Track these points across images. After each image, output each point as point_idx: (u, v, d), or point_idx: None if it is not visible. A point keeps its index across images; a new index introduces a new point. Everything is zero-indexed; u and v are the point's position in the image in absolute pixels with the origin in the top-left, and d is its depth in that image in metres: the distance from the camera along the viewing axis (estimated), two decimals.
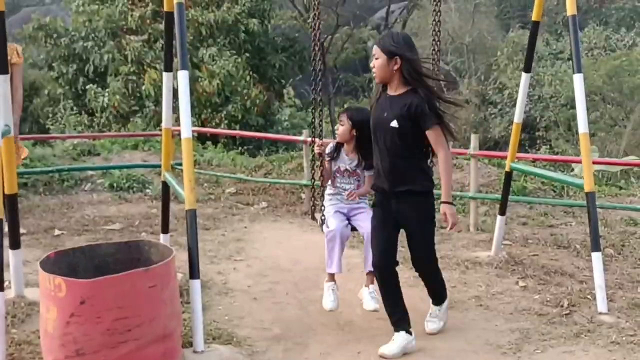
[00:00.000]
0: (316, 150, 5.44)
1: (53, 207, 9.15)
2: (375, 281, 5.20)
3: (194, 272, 4.64)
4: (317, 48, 5.70)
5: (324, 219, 5.35)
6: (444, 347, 4.96)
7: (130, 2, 21.25)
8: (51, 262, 4.36)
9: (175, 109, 5.96)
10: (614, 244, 7.64)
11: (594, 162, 7.34)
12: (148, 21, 20.63)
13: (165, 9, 5.60)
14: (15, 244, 5.48)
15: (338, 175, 5.48)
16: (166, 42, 5.86)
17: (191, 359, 4.52)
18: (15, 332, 4.97)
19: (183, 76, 4.79)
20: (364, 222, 5.31)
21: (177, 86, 4.80)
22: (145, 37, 20.42)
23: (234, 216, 8.93)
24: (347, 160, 5.48)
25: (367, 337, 5.13)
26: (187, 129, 4.77)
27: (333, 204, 5.45)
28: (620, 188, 11.57)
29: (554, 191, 9.99)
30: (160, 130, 12.99)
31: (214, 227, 8.31)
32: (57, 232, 7.92)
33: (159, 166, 10.60)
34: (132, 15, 20.61)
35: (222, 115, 18.25)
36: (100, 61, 20.11)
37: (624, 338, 4.97)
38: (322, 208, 5.40)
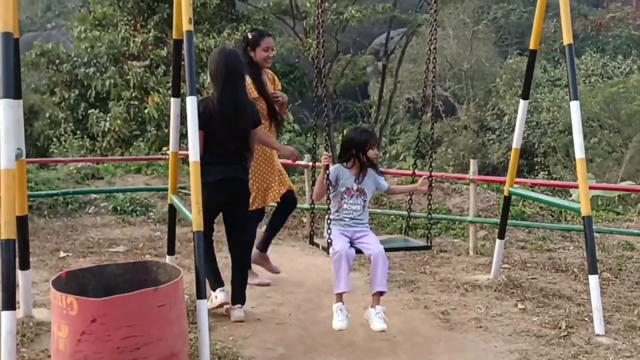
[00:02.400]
0: (324, 161, 5.49)
1: (58, 229, 9.27)
2: (380, 302, 5.35)
3: (200, 292, 4.75)
4: (320, 75, 5.84)
5: (330, 241, 5.40)
6: None
7: (132, 28, 21.52)
8: (63, 282, 4.47)
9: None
10: (611, 268, 7.78)
11: (590, 187, 7.48)
12: (150, 47, 20.88)
13: (174, 37, 5.78)
14: (24, 265, 5.61)
15: (346, 196, 5.57)
16: (174, 69, 6.04)
17: None
18: (25, 350, 5.07)
19: (191, 102, 4.94)
20: (370, 244, 5.44)
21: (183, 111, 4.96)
22: (147, 62, 20.64)
23: None
24: (357, 178, 5.61)
25: (368, 357, 5.24)
26: (195, 152, 4.91)
27: (337, 228, 5.53)
28: (618, 214, 11.71)
29: (552, 216, 10.13)
30: (163, 154, 13.20)
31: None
32: (62, 254, 8.04)
33: (163, 190, 10.80)
34: (134, 41, 20.87)
35: None
36: (102, 86, 20.30)
37: (620, 359, 5.08)
38: (329, 232, 5.44)
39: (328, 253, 5.42)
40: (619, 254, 8.52)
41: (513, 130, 22.24)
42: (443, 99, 32.19)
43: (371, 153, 5.58)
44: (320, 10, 5.86)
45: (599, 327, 5.60)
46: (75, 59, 20.95)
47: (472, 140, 29.31)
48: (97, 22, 22.66)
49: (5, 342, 4.38)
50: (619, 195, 13.78)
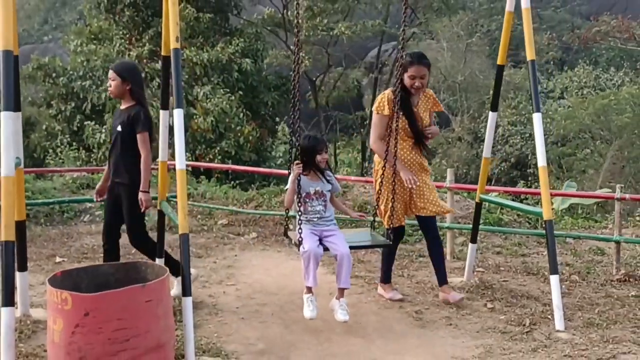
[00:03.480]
0: (297, 170, 6.02)
1: (54, 236, 9.64)
2: (344, 294, 6.06)
3: (186, 290, 5.15)
4: (296, 82, 6.31)
5: (301, 240, 5.97)
6: None
7: (127, 42, 21.95)
8: (58, 280, 4.85)
9: (171, 145, 6.53)
10: (580, 271, 8.19)
11: (557, 194, 7.87)
12: (145, 60, 21.25)
13: (163, 53, 6.21)
14: (22, 267, 6.00)
15: (308, 200, 6.11)
16: (163, 83, 6.46)
17: None
18: (23, 346, 5.44)
19: (178, 114, 5.35)
20: (336, 244, 6.02)
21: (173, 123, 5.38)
22: (143, 75, 21.00)
23: (225, 245, 9.42)
24: (314, 183, 6.15)
25: (343, 353, 5.60)
26: (181, 161, 5.32)
27: (307, 228, 6.09)
28: (596, 221, 12.10)
29: (529, 223, 10.52)
30: (156, 164, 13.57)
31: (206, 255, 8.80)
32: (58, 259, 8.42)
33: (154, 198, 11.16)
34: (129, 55, 21.27)
35: (216, 151, 18.78)
36: (98, 99, 20.69)
37: (576, 352, 5.46)
38: (300, 231, 6.01)
39: (299, 250, 6.03)
40: (589, 258, 8.93)
41: (507, 142, 22.62)
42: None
43: (319, 158, 6.14)
44: (297, 25, 6.33)
45: (559, 323, 6.01)
46: (71, 72, 21.35)
47: (466, 152, 29.57)
48: (93, 36, 23.09)
49: (5, 336, 4.78)
50: (597, 204, 14.20)
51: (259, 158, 20.52)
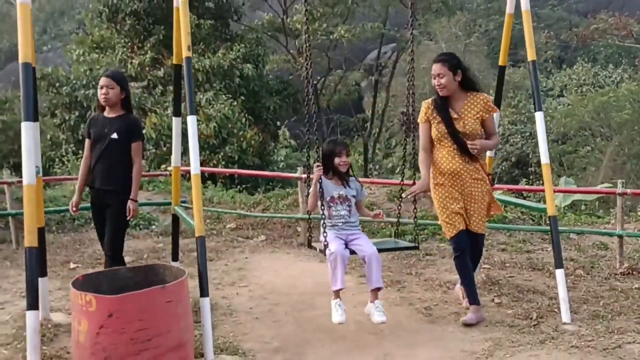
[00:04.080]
0: (317, 173, 6.00)
1: (66, 243, 9.82)
2: (378, 296, 5.98)
3: (203, 291, 5.33)
4: (309, 90, 6.37)
5: (327, 243, 5.94)
6: (424, 355, 5.58)
7: (129, 50, 22.13)
8: (80, 283, 5.02)
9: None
10: (584, 266, 8.37)
11: (560, 191, 8.04)
12: (147, 68, 21.47)
13: (174, 62, 6.39)
14: (42, 272, 6.16)
15: (332, 204, 6.09)
16: (175, 91, 6.63)
17: None
18: (46, 348, 5.60)
19: (192, 121, 5.53)
20: (363, 245, 5.99)
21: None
22: (145, 83, 21.24)
23: (235, 248, 9.60)
24: (337, 187, 6.14)
25: (357, 348, 5.76)
26: (196, 166, 5.50)
27: (332, 232, 6.07)
28: (598, 217, 12.27)
29: (533, 220, 10.69)
30: (163, 170, 13.77)
31: (217, 259, 8.97)
32: (72, 265, 8.60)
33: (164, 204, 11.36)
34: (131, 63, 21.47)
35: (220, 156, 18.94)
36: None
37: (583, 343, 5.61)
38: (325, 235, 6.00)
39: (325, 254, 5.96)
40: (592, 253, 9.12)
41: (507, 141, 22.69)
42: None
43: (337, 161, 6.09)
44: (306, 32, 6.47)
45: (565, 316, 6.19)
46: (74, 81, 21.51)
47: None
48: (95, 45, 23.29)
49: (31, 338, 4.95)
50: (599, 200, 14.38)
51: (262, 162, 20.67)
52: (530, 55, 6.44)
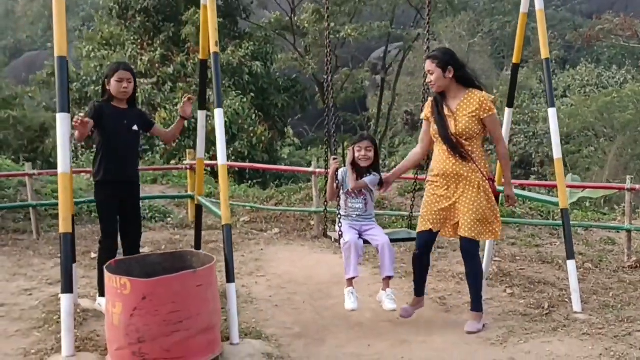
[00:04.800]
0: (335, 165, 6.21)
1: (85, 234, 10.01)
2: (390, 285, 6.16)
3: (230, 277, 5.55)
4: (330, 85, 6.61)
5: (341, 234, 6.16)
6: (440, 341, 5.80)
7: (139, 47, 22.34)
8: (113, 268, 5.24)
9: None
10: (593, 260, 8.59)
11: (570, 186, 8.25)
12: (157, 65, 21.65)
13: (201, 57, 6.61)
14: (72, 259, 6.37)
15: (349, 196, 6.30)
16: (200, 85, 6.84)
17: (229, 350, 5.37)
18: (77, 331, 5.80)
19: (219, 114, 5.75)
20: (376, 235, 6.20)
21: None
22: (155, 79, 21.41)
23: (250, 241, 9.81)
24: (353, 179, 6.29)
25: (374, 335, 5.98)
26: (222, 158, 5.72)
27: (347, 223, 6.28)
28: (604, 214, 12.48)
29: (541, 215, 10.89)
30: (177, 164, 13.99)
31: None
32: (93, 255, 8.78)
33: (180, 197, 11.58)
34: (141, 60, 21.66)
35: (230, 151, 19.14)
36: None
37: (594, 331, 5.84)
38: (340, 225, 6.21)
39: (339, 244, 6.18)
40: (600, 247, 9.35)
41: (510, 141, 22.85)
42: None
43: (357, 155, 6.23)
44: (327, 29, 6.67)
45: (576, 305, 6.41)
46: (84, 77, 21.74)
47: None
48: (104, 42, 23.49)
49: (65, 321, 5.18)
50: (605, 198, 14.59)
51: (270, 158, 20.89)
52: (544, 53, 6.65)
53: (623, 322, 6.04)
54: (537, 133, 28.19)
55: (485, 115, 5.93)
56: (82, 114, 6.05)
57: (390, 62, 30.92)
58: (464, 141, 5.90)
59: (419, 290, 6.35)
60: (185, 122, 6.61)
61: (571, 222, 9.54)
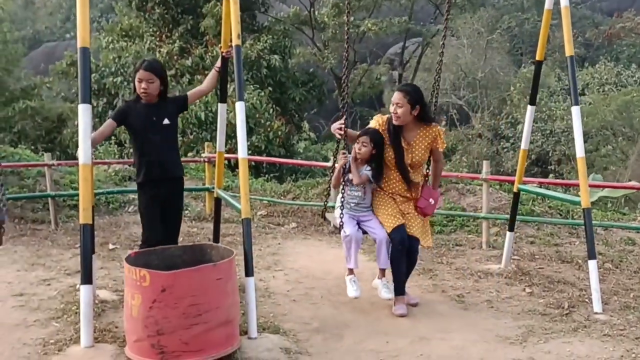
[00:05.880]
0: (343, 160, 6.37)
1: (103, 225, 10.04)
2: (386, 274, 6.50)
3: (249, 270, 5.53)
4: (347, 80, 6.69)
5: (342, 224, 6.37)
6: (459, 339, 5.76)
7: (157, 39, 22.39)
8: (132, 260, 5.24)
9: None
10: (613, 260, 8.51)
11: (590, 186, 8.18)
12: (175, 57, 21.69)
13: (223, 49, 6.58)
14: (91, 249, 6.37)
15: (348, 185, 6.42)
16: (221, 78, 6.80)
17: (247, 344, 5.35)
18: (95, 322, 5.81)
19: (240, 107, 5.74)
20: (374, 228, 6.35)
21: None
22: (173, 72, 21.45)
23: (267, 235, 9.80)
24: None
25: (392, 332, 5.93)
26: (243, 151, 5.71)
27: (347, 212, 6.44)
28: (624, 214, 12.38)
29: (560, 214, 10.82)
30: (194, 157, 13.99)
31: None
32: (111, 246, 8.83)
33: (197, 190, 11.58)
34: (159, 52, 21.74)
35: (247, 146, 19.10)
36: (130, 95, 21.14)
37: (615, 332, 5.79)
38: (341, 216, 6.41)
39: (339, 232, 6.44)
40: (620, 248, 9.25)
41: None
42: (457, 107, 32.81)
43: (355, 148, 6.37)
44: (347, 23, 6.74)
45: (597, 306, 6.35)
46: (103, 68, 21.79)
47: (486, 149, 29.71)
48: (124, 33, 23.55)
49: (84, 312, 5.19)
50: (625, 197, 14.47)
51: (287, 153, 20.87)
52: (569, 50, 6.58)
53: None
54: (554, 131, 28.04)
55: (439, 147, 6.46)
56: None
57: (408, 58, 30.84)
58: (412, 170, 6.42)
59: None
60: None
61: (593, 222, 9.52)
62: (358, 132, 6.52)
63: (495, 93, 32.27)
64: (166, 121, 6.09)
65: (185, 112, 6.85)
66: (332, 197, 7.82)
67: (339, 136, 6.38)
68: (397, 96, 6.28)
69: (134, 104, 6.14)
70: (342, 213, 6.42)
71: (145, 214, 6.18)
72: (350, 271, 6.51)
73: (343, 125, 6.33)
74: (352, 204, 6.44)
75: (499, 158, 29.59)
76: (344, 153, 6.43)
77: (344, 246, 6.37)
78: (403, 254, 6.32)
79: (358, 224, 6.42)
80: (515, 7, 39.66)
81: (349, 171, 6.38)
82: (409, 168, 6.37)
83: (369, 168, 6.41)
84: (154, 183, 6.11)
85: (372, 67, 29.77)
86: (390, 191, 6.43)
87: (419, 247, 6.44)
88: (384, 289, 6.45)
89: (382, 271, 6.52)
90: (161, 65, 6.35)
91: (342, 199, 6.47)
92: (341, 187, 6.46)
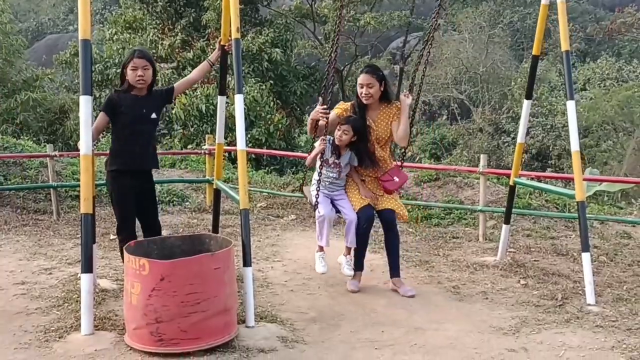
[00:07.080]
0: (322, 145, 6.64)
1: (104, 216, 10.12)
2: (351, 252, 6.98)
3: (247, 261, 5.62)
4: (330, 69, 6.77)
5: (317, 204, 6.70)
6: (454, 329, 5.84)
7: (160, 32, 22.44)
8: (132, 249, 5.33)
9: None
10: (608, 253, 8.60)
11: (587, 179, 8.27)
12: (177, 50, 21.74)
13: (222, 42, 6.66)
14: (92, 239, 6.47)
15: (325, 166, 6.72)
16: (221, 70, 6.90)
17: (245, 332, 5.45)
18: (95, 311, 5.90)
19: (239, 100, 5.83)
20: (346, 208, 6.77)
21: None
22: (175, 64, 21.51)
23: (266, 226, 9.90)
24: (333, 153, 6.80)
25: (388, 322, 6.02)
26: (242, 143, 5.79)
27: (320, 190, 6.78)
28: (620, 208, 12.47)
29: (557, 208, 10.90)
30: (194, 149, 14.07)
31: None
32: (112, 236, 8.92)
33: (198, 182, 11.67)
34: (162, 44, 21.77)
35: (247, 139, 19.20)
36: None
37: (607, 323, 5.89)
38: (317, 196, 6.72)
39: (314, 210, 6.81)
40: (616, 241, 9.34)
41: (528, 133, 22.85)
42: (459, 101, 32.88)
43: (337, 134, 6.74)
44: (339, 18, 6.94)
45: (590, 297, 6.45)
46: (107, 59, 21.85)
47: (487, 143, 29.75)
48: (127, 25, 23.60)
49: (84, 300, 5.28)
50: (622, 192, 14.55)
51: (288, 146, 20.92)
52: (564, 45, 6.65)
53: (636, 315, 6.09)
54: (555, 126, 28.07)
55: (398, 117, 6.73)
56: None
57: (410, 52, 30.84)
58: (377, 145, 6.79)
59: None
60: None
61: (587, 215, 9.59)
62: (338, 120, 6.79)
63: (496, 87, 32.30)
64: (154, 115, 6.20)
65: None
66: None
67: (323, 120, 6.58)
68: (366, 77, 6.67)
69: (124, 95, 6.15)
70: (317, 194, 6.74)
71: (121, 204, 6.19)
72: (321, 248, 6.96)
73: (327, 109, 6.60)
74: (327, 182, 6.81)
75: (500, 152, 29.62)
76: (323, 139, 6.67)
77: (317, 225, 6.79)
78: (367, 232, 6.80)
79: (332, 202, 6.83)
80: (517, 2, 39.67)
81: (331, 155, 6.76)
82: (375, 144, 6.80)
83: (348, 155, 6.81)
84: (132, 173, 6.15)
85: (374, 60, 29.78)
86: (361, 172, 6.88)
87: (398, 221, 6.89)
88: (347, 266, 7.00)
89: (348, 249, 7.00)
90: (151, 54, 6.51)
91: (318, 179, 6.75)
92: (318, 165, 6.73)
